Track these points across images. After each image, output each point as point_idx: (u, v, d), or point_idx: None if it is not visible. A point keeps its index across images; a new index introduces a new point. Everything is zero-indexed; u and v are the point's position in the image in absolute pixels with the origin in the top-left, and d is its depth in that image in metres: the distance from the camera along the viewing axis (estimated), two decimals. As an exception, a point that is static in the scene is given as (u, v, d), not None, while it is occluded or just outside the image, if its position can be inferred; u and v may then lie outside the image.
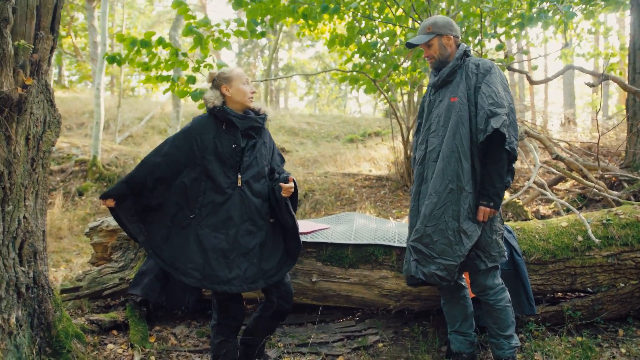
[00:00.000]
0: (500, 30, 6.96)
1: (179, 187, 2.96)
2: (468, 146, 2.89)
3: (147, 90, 30.63)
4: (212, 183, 2.93)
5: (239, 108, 3.01)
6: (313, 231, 3.97)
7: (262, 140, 3.10)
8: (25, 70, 2.87)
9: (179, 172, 2.96)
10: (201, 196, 2.93)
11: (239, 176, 2.95)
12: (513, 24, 6.73)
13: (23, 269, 2.90)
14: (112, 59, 6.09)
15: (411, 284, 3.19)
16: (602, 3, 6.83)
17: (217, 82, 3.01)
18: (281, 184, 2.96)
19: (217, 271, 2.85)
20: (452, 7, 6.87)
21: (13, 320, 2.79)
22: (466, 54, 3.07)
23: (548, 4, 6.08)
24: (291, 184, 2.96)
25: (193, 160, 2.95)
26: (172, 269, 2.93)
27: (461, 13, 6.37)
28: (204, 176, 2.94)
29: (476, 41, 6.48)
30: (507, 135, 2.80)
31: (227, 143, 2.94)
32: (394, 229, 4.00)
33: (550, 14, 5.94)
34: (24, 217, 2.92)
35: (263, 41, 29.53)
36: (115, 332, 3.80)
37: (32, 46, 2.89)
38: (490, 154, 2.90)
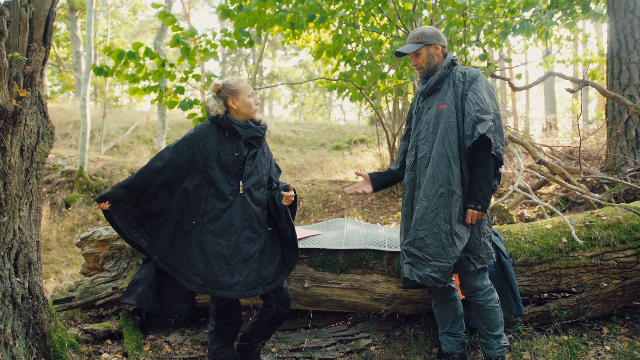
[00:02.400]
0: (483, 38, 7.10)
1: (181, 194, 2.99)
2: (457, 151, 2.98)
3: (130, 100, 30.49)
4: (214, 190, 2.97)
5: (243, 119, 3.07)
6: (304, 237, 4.02)
7: (262, 150, 3.17)
8: (19, 82, 2.90)
9: (182, 178, 2.99)
10: (203, 202, 2.97)
11: (241, 184, 3.00)
12: (496, 32, 6.88)
13: (18, 279, 2.92)
14: (99, 71, 6.10)
15: (406, 286, 3.26)
16: (580, 12, 7.00)
17: (223, 93, 3.05)
18: (282, 192, 3.03)
19: (219, 277, 2.89)
20: (436, 15, 7.00)
21: (9, 330, 2.80)
22: (453, 62, 3.19)
23: (530, 13, 6.23)
24: (292, 193, 3.03)
25: (195, 167, 2.98)
26: (176, 274, 2.98)
27: (445, 22, 6.50)
28: (206, 183, 2.98)
29: (460, 49, 6.60)
30: (492, 141, 2.90)
31: (229, 151, 2.99)
32: (384, 234, 4.07)
33: (532, 23, 6.09)
34: (19, 228, 2.94)
35: (247, 50, 29.60)
36: (109, 341, 3.81)
37: (26, 58, 2.92)
38: (478, 158, 3.00)
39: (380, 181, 3.50)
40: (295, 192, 3.10)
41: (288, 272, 3.17)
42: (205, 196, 2.97)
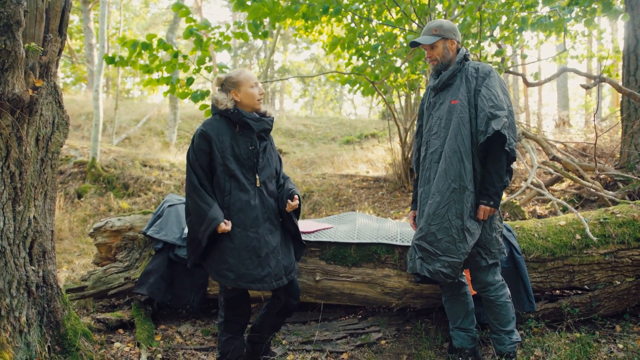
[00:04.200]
0: (498, 33, 7.03)
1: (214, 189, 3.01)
2: (469, 147, 2.97)
3: (142, 92, 30.62)
4: (236, 182, 2.95)
5: (249, 111, 3.05)
6: (316, 230, 4.03)
7: (270, 142, 3.16)
8: (35, 72, 2.91)
9: (212, 174, 2.99)
10: (227, 195, 2.95)
11: (257, 177, 3.00)
12: (512, 27, 6.80)
13: (33, 268, 2.94)
14: (111, 60, 6.12)
15: (417, 281, 3.26)
16: (597, 7, 6.90)
17: (226, 86, 3.04)
18: (288, 200, 3.04)
19: (251, 270, 2.89)
20: (450, 9, 6.94)
21: (24, 318, 2.83)
22: (465, 58, 3.17)
23: (548, 9, 6.16)
24: (296, 203, 3.06)
25: (214, 160, 2.95)
26: (209, 270, 2.97)
27: (459, 17, 6.45)
28: (227, 176, 2.95)
29: (475, 43, 6.55)
30: (507, 137, 2.89)
31: (243, 145, 2.97)
32: (395, 228, 4.06)
33: (550, 19, 6.02)
34: (34, 217, 2.96)
35: (259, 43, 29.61)
36: (121, 330, 3.84)
37: (42, 48, 2.93)
38: (490, 154, 2.99)
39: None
40: (299, 197, 3.12)
41: (297, 262, 3.23)
42: (229, 189, 2.95)
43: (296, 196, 3.08)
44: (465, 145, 2.98)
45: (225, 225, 2.86)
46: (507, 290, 3.19)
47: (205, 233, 2.83)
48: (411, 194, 8.54)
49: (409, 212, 3.51)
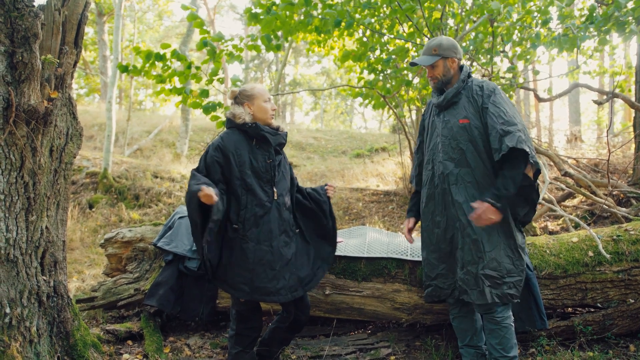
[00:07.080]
0: (510, 49, 7.03)
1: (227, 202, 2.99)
2: (490, 168, 2.99)
3: (154, 104, 30.90)
4: (252, 196, 2.96)
5: (262, 124, 3.07)
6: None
7: (283, 156, 3.19)
8: (50, 83, 2.95)
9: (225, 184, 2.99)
10: (243, 209, 2.96)
11: (275, 190, 3.02)
12: (525, 44, 6.80)
13: (44, 278, 2.96)
14: (124, 69, 6.19)
15: (430, 301, 3.22)
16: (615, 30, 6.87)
17: (240, 99, 3.06)
18: (328, 184, 3.25)
19: (266, 283, 2.91)
20: (462, 24, 6.96)
21: (34, 328, 2.84)
22: (469, 75, 3.15)
23: (561, 27, 6.15)
24: (333, 185, 3.27)
25: (231, 174, 2.96)
26: (221, 282, 2.98)
27: (472, 33, 6.46)
28: (243, 190, 2.96)
29: (488, 58, 6.55)
30: (528, 150, 2.82)
31: (261, 159, 3.01)
32: (406, 243, 4.04)
33: (565, 36, 6.01)
34: (46, 227, 2.98)
35: (270, 56, 29.81)
36: (130, 342, 3.84)
37: (58, 60, 2.97)
38: (509, 162, 2.89)
39: (418, 210, 3.44)
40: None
41: (326, 267, 3.22)
42: (244, 203, 2.96)
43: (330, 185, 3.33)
44: (487, 167, 2.99)
45: (206, 189, 2.65)
46: (511, 314, 3.11)
47: (191, 207, 2.74)
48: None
49: (405, 220, 3.49)
